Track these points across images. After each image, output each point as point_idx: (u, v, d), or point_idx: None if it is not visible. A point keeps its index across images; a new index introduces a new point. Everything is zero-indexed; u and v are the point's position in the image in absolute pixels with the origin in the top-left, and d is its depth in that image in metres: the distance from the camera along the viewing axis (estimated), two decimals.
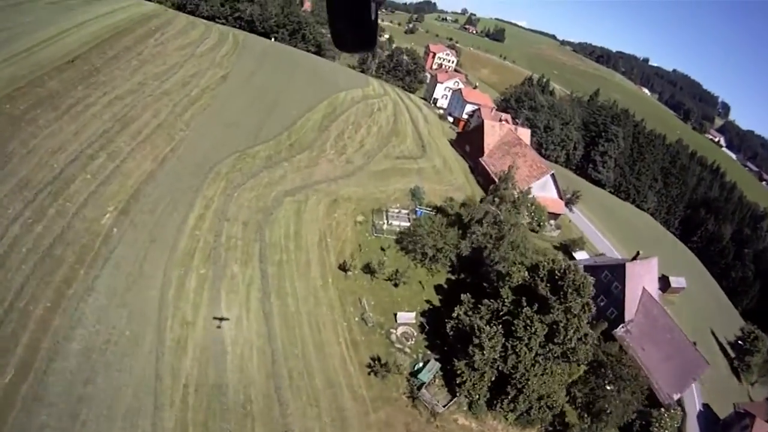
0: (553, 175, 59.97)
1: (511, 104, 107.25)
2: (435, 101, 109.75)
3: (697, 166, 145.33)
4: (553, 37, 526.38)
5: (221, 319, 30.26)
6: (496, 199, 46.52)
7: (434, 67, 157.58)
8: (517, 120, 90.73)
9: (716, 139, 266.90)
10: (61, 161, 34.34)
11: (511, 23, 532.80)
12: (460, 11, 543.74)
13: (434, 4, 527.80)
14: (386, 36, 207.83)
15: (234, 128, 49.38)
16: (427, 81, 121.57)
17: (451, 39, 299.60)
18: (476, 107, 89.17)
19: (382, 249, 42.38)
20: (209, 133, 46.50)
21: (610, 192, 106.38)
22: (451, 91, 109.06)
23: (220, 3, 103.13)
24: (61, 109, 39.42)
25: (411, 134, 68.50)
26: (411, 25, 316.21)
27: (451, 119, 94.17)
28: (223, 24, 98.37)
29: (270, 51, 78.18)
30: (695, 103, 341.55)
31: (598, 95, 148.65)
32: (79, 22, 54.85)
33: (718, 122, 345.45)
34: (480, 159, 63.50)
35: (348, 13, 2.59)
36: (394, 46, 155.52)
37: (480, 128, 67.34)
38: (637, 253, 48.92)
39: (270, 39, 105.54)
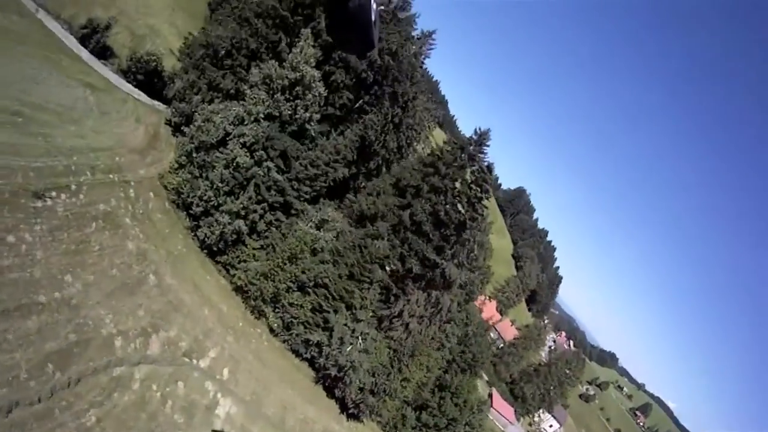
0: None
1: None
2: None
3: None
4: None
5: None
6: None
7: None
8: None
9: None
10: None
11: (660, 400, 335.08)
12: (639, 383, 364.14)
13: (617, 358, 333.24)
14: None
15: None
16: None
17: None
18: None
19: None
20: None
21: None
22: None
23: None
24: None
25: None
26: (587, 389, 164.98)
27: None
28: None
29: None
30: None
31: None
32: None
33: None
34: None
35: (352, 17, 2.84)
36: None
37: None
38: None
39: None
